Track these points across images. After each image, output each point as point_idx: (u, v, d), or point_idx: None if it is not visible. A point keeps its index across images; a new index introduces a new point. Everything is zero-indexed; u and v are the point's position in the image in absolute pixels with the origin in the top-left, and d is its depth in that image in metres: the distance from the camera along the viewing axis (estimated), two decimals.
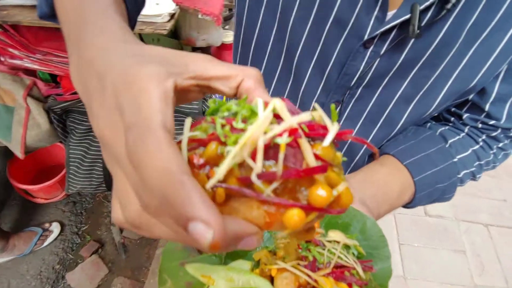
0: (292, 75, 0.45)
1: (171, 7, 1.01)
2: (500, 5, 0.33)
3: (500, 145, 0.46)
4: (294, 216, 0.17)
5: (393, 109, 0.43)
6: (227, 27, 1.89)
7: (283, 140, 0.17)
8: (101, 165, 1.36)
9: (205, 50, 1.86)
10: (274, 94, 0.48)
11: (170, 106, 0.18)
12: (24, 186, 1.51)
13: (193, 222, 0.14)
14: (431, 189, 0.44)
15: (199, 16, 1.10)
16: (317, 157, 0.17)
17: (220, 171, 0.16)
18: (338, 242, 0.31)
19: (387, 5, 0.35)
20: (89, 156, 1.33)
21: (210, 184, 0.17)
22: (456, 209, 1.82)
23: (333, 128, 0.18)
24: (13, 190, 1.73)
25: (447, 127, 0.47)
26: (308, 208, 0.17)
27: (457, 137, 0.46)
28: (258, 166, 0.16)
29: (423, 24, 0.34)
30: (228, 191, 0.17)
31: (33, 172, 1.67)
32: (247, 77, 0.21)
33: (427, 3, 0.32)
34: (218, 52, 1.85)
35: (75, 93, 1.16)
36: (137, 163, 0.15)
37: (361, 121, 0.45)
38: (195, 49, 1.78)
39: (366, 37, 0.37)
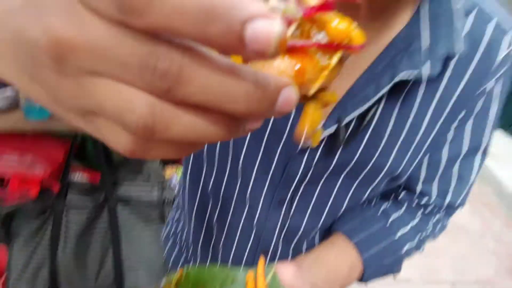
0: (240, 177, 0.49)
1: None
2: (408, 116, 0.40)
3: (436, 218, 0.51)
4: (320, 58, 0.16)
5: (334, 200, 0.48)
6: None
7: None
8: (47, 270, 1.23)
9: None
10: (225, 194, 0.51)
11: None
12: None
13: (251, 21, 0.10)
14: (377, 266, 0.48)
15: None
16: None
17: None
18: None
19: None
20: (34, 261, 1.20)
21: None
22: (421, 271, 1.85)
23: None
24: None
25: (388, 205, 0.52)
26: (332, 47, 0.16)
27: (398, 213, 0.51)
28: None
29: (347, 134, 0.40)
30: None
31: None
32: None
33: (348, 120, 0.38)
34: None
35: (23, 194, 1.10)
36: None
37: (308, 213, 0.49)
38: None
39: (299, 148, 0.42)
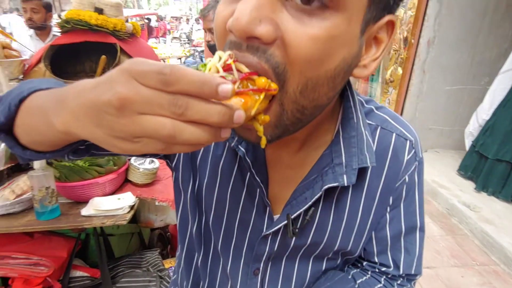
0: (221, 257, 0.59)
1: (131, 200, 1.18)
2: (344, 209, 0.52)
3: (399, 282, 0.58)
4: (254, 96, 0.31)
5: (298, 272, 0.56)
6: None
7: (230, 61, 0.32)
8: None
9: (163, 229, 1.97)
10: (211, 271, 0.61)
11: None
12: None
13: (221, 85, 0.24)
14: None
15: (156, 203, 1.27)
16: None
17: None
18: None
19: (271, 213, 0.53)
20: None
21: None
22: None
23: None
24: None
25: (357, 270, 0.60)
26: (259, 90, 0.31)
27: (364, 278, 0.58)
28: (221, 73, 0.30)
29: (299, 225, 0.50)
30: None
31: None
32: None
33: (295, 214, 0.49)
34: (175, 229, 1.97)
35: None
36: (180, 75, 0.24)
37: (280, 281, 0.57)
38: (153, 229, 1.89)
39: (263, 233, 0.53)
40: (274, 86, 0.33)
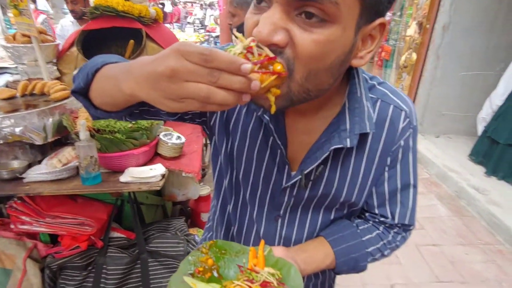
0: (248, 206, 0.73)
1: (162, 170, 1.32)
2: (348, 167, 0.63)
3: (395, 230, 0.70)
4: (269, 75, 0.41)
5: (310, 220, 0.70)
6: (201, 183, 2.25)
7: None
8: None
9: (184, 203, 2.13)
10: (240, 218, 0.75)
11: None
12: None
13: (243, 64, 0.35)
14: (346, 258, 0.66)
15: (183, 174, 1.42)
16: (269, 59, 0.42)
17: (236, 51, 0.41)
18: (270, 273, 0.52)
19: (290, 170, 0.65)
20: None
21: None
22: None
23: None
24: None
25: (360, 220, 0.73)
26: (272, 73, 0.41)
27: (366, 225, 0.71)
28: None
29: (311, 179, 0.64)
30: None
31: None
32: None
33: (308, 170, 0.62)
34: (196, 203, 2.13)
35: (73, 249, 1.31)
36: (215, 56, 0.34)
37: (295, 227, 0.71)
38: (175, 204, 2.05)
39: (283, 186, 0.66)
40: (284, 71, 0.44)
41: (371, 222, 0.72)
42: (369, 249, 0.68)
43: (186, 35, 7.47)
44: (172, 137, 1.48)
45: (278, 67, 0.42)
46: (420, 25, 3.84)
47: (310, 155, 0.62)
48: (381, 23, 0.49)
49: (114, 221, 1.47)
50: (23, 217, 1.23)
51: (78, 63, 1.98)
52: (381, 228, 0.71)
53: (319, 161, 0.60)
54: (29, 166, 1.31)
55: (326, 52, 0.45)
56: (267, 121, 0.60)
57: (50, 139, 1.32)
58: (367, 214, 0.72)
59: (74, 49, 1.94)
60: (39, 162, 1.33)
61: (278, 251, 0.60)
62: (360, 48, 0.50)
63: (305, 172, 0.62)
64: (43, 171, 1.24)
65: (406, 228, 0.71)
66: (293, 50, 0.44)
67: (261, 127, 0.65)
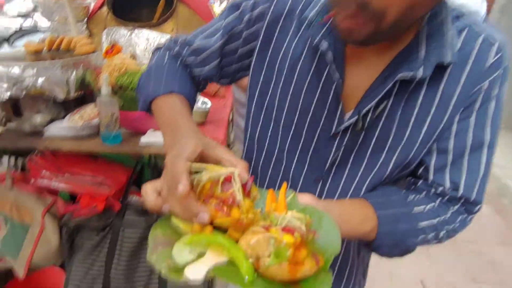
0: (284, 163, 0.61)
1: None
2: (414, 106, 0.51)
3: (455, 208, 0.55)
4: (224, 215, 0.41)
5: (359, 180, 0.57)
6: None
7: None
8: (100, 286, 1.34)
9: None
10: (272, 175, 0.64)
11: (195, 154, 0.44)
12: None
13: (200, 213, 0.40)
14: (392, 228, 0.52)
15: None
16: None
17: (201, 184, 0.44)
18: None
19: (343, 112, 0.54)
20: (90, 275, 1.32)
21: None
22: None
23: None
24: None
25: (410, 190, 0.59)
26: (229, 215, 0.41)
27: (417, 196, 0.57)
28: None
29: (367, 122, 0.52)
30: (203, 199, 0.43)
31: None
32: (240, 165, 0.44)
33: (366, 109, 0.51)
34: None
35: (91, 209, 1.27)
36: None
37: (338, 191, 0.59)
38: None
39: (332, 132, 0.55)
40: (238, 219, 0.42)
41: (424, 193, 0.57)
42: (422, 224, 0.54)
43: None
44: (197, 101, 1.39)
45: (236, 213, 0.41)
46: None
47: (370, 91, 0.51)
48: None
49: (133, 185, 1.42)
50: (43, 172, 1.20)
51: (108, 23, 1.93)
52: (437, 201, 0.56)
53: (381, 95, 0.49)
54: (52, 121, 1.28)
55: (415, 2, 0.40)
56: (325, 47, 0.50)
57: (73, 95, 1.27)
58: (419, 182, 0.58)
59: (105, 9, 1.89)
60: (62, 118, 1.30)
61: (305, 198, 0.49)
62: None
63: (363, 111, 0.51)
64: (64, 126, 1.20)
65: (469, 207, 0.55)
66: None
67: (313, 60, 0.55)
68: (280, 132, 0.60)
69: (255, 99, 0.62)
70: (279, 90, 0.58)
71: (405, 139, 0.52)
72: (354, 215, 0.52)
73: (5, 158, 1.42)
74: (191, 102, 0.61)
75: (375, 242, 0.53)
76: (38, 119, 1.28)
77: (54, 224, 1.27)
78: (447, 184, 0.54)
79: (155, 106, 0.60)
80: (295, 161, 0.60)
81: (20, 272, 1.24)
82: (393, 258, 0.57)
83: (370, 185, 0.58)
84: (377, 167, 0.56)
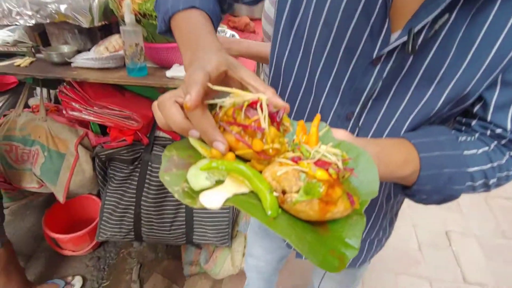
0: (313, 94, 0.54)
1: None
2: (483, 24, 0.41)
3: None
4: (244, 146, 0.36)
5: (399, 117, 0.49)
6: None
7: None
8: (132, 213, 1.42)
9: None
10: (299, 108, 0.58)
11: (217, 72, 0.38)
12: (56, 235, 1.56)
13: (215, 142, 0.35)
14: (436, 171, 0.45)
15: None
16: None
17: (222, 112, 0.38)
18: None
19: (390, 30, 0.44)
20: (123, 203, 1.40)
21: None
22: (498, 277, 1.67)
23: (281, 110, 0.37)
24: (42, 242, 1.78)
25: (460, 132, 0.51)
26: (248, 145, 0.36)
27: (469, 138, 0.49)
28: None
29: (419, 43, 0.42)
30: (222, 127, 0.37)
31: (64, 224, 1.73)
32: (268, 90, 0.38)
33: (419, 26, 0.41)
34: None
35: (120, 141, 1.30)
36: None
37: (373, 129, 0.52)
38: None
39: (374, 56, 0.46)
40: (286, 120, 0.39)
41: (477, 134, 0.49)
42: (471, 169, 0.47)
43: None
44: (225, 34, 1.30)
45: (258, 144, 0.36)
46: None
47: (428, 2, 0.41)
48: None
49: None
50: (73, 103, 1.22)
51: None
52: (492, 145, 0.48)
53: (443, 5, 0.39)
54: (79, 53, 1.26)
55: None
56: None
57: (96, 23, 1.22)
58: (473, 122, 0.50)
59: None
60: (89, 50, 1.28)
61: (340, 133, 0.42)
62: None
63: (416, 29, 0.41)
64: (90, 57, 1.18)
65: None
66: None
67: None
68: (311, 57, 0.51)
69: (285, 14, 0.52)
70: (313, 3, 0.48)
71: (464, 66, 0.43)
72: (393, 155, 0.45)
73: (38, 90, 1.44)
74: (214, 20, 0.52)
75: (414, 188, 0.47)
76: (66, 49, 1.27)
77: (87, 155, 1.32)
78: (509, 125, 0.46)
79: (174, 23, 0.51)
80: (325, 92, 0.52)
81: (60, 197, 1.33)
82: (428, 205, 0.52)
83: (412, 123, 0.50)
84: (423, 100, 0.47)
